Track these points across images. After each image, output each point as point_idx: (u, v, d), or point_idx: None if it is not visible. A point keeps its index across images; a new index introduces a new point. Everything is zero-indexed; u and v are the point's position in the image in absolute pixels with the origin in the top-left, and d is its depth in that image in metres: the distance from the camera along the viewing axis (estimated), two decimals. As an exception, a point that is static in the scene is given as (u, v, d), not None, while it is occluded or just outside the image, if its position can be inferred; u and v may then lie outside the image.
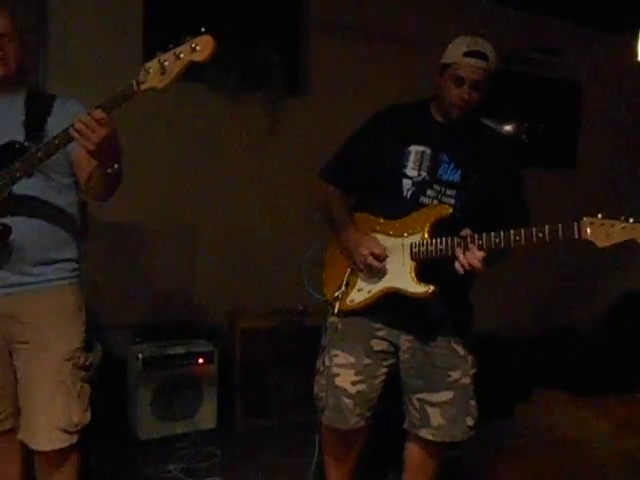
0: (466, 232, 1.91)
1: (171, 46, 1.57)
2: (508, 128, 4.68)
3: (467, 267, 1.87)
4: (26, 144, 1.86)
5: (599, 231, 1.74)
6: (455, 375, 2.14)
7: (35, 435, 1.90)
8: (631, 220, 1.70)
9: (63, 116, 1.87)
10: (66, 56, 3.22)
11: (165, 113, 3.36)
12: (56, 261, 1.96)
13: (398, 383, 2.24)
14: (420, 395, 2.16)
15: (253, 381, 3.36)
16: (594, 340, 4.68)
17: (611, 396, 3.84)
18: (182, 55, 1.55)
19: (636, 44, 3.96)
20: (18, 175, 1.80)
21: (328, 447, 2.29)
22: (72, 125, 1.66)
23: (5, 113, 1.92)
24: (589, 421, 3.56)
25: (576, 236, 1.76)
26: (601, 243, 1.73)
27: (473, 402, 2.18)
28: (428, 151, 2.09)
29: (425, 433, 2.16)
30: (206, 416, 3.24)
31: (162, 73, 1.58)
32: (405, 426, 2.25)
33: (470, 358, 2.19)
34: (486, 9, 4.31)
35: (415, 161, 2.09)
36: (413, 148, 2.09)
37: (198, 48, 1.54)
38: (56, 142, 1.73)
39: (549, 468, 2.99)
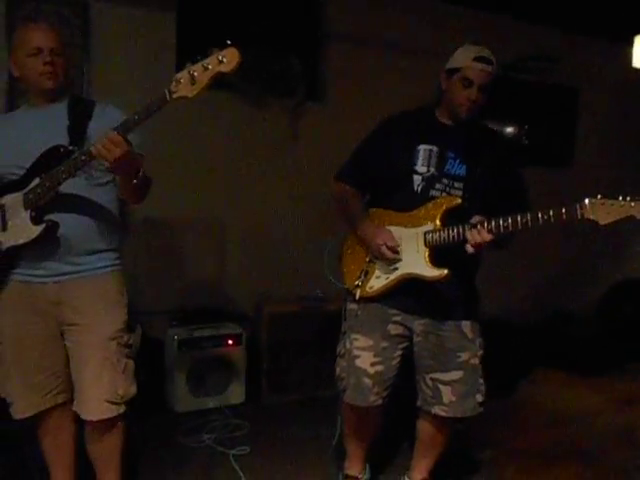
0: (476, 219, 2.03)
1: (199, 58, 1.69)
2: (510, 130, 4.85)
3: (477, 242, 1.99)
4: (70, 148, 1.97)
5: (600, 210, 1.82)
6: (464, 356, 2.26)
7: (86, 406, 2.05)
8: (628, 198, 1.81)
9: (103, 120, 1.98)
10: (107, 71, 3.44)
11: (197, 118, 3.57)
12: (100, 251, 2.08)
13: (410, 364, 2.36)
14: (432, 375, 2.29)
15: (277, 360, 3.56)
16: (590, 324, 4.82)
17: (607, 375, 4.02)
18: (210, 66, 1.66)
19: (631, 51, 3.98)
20: (64, 177, 1.90)
21: (349, 423, 2.47)
22: (93, 145, 1.81)
23: (51, 120, 2.04)
24: (587, 397, 3.76)
25: (579, 216, 1.85)
26: (602, 221, 1.82)
27: (482, 381, 2.30)
28: (435, 149, 2.23)
29: (437, 409, 2.29)
30: (235, 392, 3.46)
31: (192, 83, 1.68)
32: (418, 404, 2.37)
33: (478, 340, 2.31)
34: (488, 20, 4.46)
35: (424, 158, 2.23)
36: (422, 147, 2.24)
37: (225, 60, 1.65)
38: (83, 158, 1.88)
39: (550, 441, 3.16)
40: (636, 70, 4.01)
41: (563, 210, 1.88)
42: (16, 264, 2.04)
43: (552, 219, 1.90)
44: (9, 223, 1.99)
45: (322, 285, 3.74)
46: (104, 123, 1.91)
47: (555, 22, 4.62)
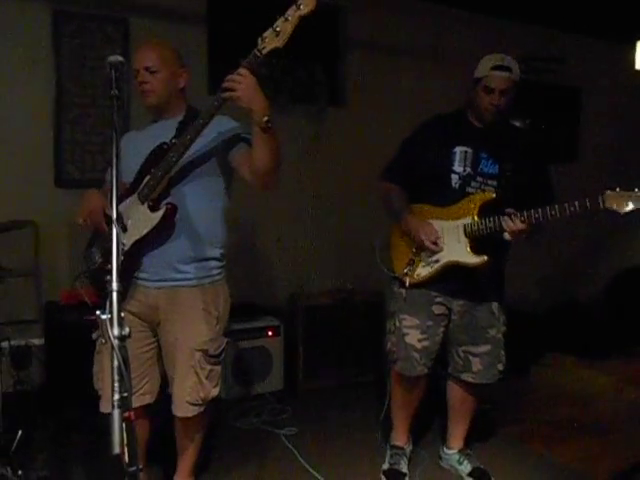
0: (510, 210, 2.29)
1: (278, 17, 1.81)
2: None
3: (512, 229, 2.26)
4: (173, 141, 2.02)
5: (620, 201, 2.07)
6: (492, 332, 2.61)
7: (173, 403, 2.18)
8: None
9: (212, 125, 1.97)
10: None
11: None
12: (202, 259, 2.12)
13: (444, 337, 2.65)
14: (465, 347, 2.62)
15: (312, 350, 3.81)
16: (597, 310, 5.07)
17: (615, 358, 4.31)
18: (290, 17, 1.78)
19: (634, 53, 4.18)
20: (174, 158, 1.94)
21: (397, 393, 2.74)
22: (221, 89, 1.85)
23: (162, 131, 2.11)
24: (597, 379, 4.04)
25: (601, 206, 2.10)
26: (622, 210, 2.07)
27: (503, 352, 2.64)
28: (470, 150, 2.47)
29: (466, 376, 2.64)
30: (275, 379, 3.67)
31: (276, 35, 1.80)
32: (449, 370, 2.71)
33: (502, 318, 2.64)
34: (499, 24, 4.70)
35: (460, 159, 2.48)
36: (458, 149, 2.48)
37: (302, 5, 1.78)
38: (201, 121, 1.90)
39: (567, 417, 3.44)
40: (638, 72, 4.22)
41: (587, 201, 2.13)
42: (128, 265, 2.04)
43: (578, 209, 2.15)
44: (129, 223, 1.98)
45: (351, 278, 4.03)
46: (212, 127, 1.98)
47: (560, 24, 4.82)
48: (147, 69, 2.07)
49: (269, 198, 4.03)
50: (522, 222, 2.26)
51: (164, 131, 2.11)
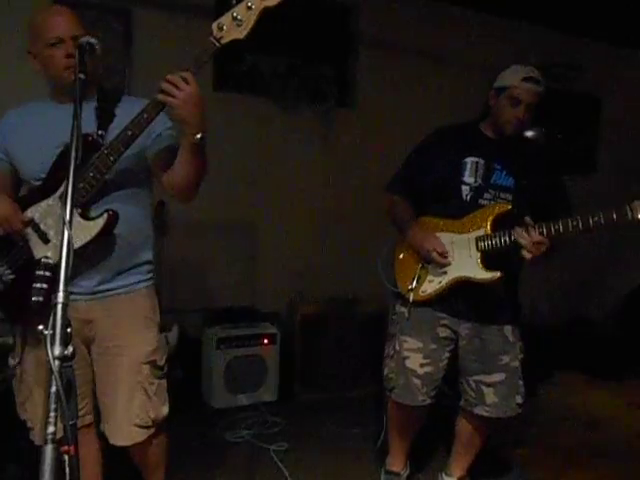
0: (528, 220, 2.09)
1: (235, 2, 1.57)
2: (530, 134, 4.97)
3: (533, 242, 2.04)
4: (100, 133, 1.76)
5: None
6: (506, 359, 2.35)
7: (115, 432, 1.92)
8: None
9: (133, 106, 1.73)
10: (148, 77, 3.42)
11: (233, 123, 3.68)
12: (133, 266, 1.93)
13: (454, 366, 2.44)
14: (476, 377, 2.38)
15: (309, 360, 3.67)
16: (607, 329, 4.90)
17: (627, 379, 4.13)
18: (253, 5, 1.56)
19: None
20: (112, 159, 1.68)
21: (394, 421, 2.57)
22: (159, 88, 1.60)
23: (69, 116, 1.68)
24: (608, 401, 3.86)
25: (630, 217, 1.92)
26: None
27: (521, 382, 2.39)
28: (482, 161, 2.32)
29: (480, 410, 2.39)
30: (269, 390, 3.55)
31: (238, 25, 1.57)
32: (461, 404, 2.47)
33: (519, 344, 2.39)
34: (515, 28, 4.61)
35: (471, 170, 2.32)
36: (469, 159, 2.33)
37: None
38: (145, 116, 1.66)
39: (576, 442, 3.27)
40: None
41: (614, 211, 1.94)
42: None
43: (603, 221, 1.96)
44: (50, 233, 1.75)
45: (352, 287, 3.88)
46: (135, 109, 1.69)
47: (579, 30, 4.71)
48: (75, 39, 1.66)
49: (270, 201, 3.98)
50: (540, 234, 2.06)
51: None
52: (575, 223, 2.01)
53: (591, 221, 1.98)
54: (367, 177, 3.82)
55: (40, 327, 1.04)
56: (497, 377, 2.36)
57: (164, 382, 1.99)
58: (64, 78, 1.74)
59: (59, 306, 1.05)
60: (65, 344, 1.03)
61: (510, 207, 2.24)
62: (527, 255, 2.09)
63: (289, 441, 3.08)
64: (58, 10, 1.80)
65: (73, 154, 1.20)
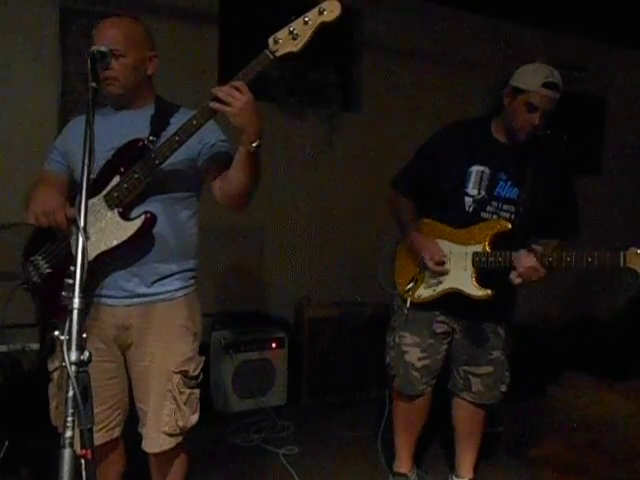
0: (522, 252, 2.12)
1: (293, 17, 1.64)
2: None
3: (523, 267, 2.08)
4: (151, 138, 1.80)
5: None
6: (495, 354, 2.46)
7: (145, 438, 1.94)
8: None
9: (188, 117, 1.77)
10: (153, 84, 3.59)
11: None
12: (174, 273, 1.92)
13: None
14: (466, 367, 2.48)
15: (317, 364, 3.66)
16: (615, 330, 4.81)
17: (633, 380, 4.11)
18: (310, 21, 1.62)
19: None
20: (157, 162, 1.74)
21: (398, 412, 2.60)
22: (211, 99, 1.64)
23: (128, 122, 1.87)
24: (616, 402, 3.86)
25: (621, 265, 1.95)
26: None
27: (507, 373, 2.50)
28: (487, 171, 2.28)
29: (465, 395, 2.52)
30: (277, 394, 3.55)
31: (294, 39, 1.62)
32: (448, 386, 2.57)
33: (509, 339, 2.49)
34: (518, 31, 4.60)
35: (475, 181, 2.29)
36: (474, 168, 2.29)
37: (326, 11, 1.61)
38: (193, 122, 1.70)
39: (584, 444, 3.26)
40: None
41: (608, 255, 1.98)
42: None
43: (596, 262, 2.00)
44: (90, 231, 1.72)
45: (360, 291, 3.88)
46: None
47: (584, 31, 4.70)
48: (111, 52, 1.73)
49: (277, 205, 3.97)
50: (536, 260, 2.09)
51: (133, 124, 1.85)
52: (568, 259, 2.05)
53: (585, 261, 2.02)
54: (373, 180, 3.80)
55: (56, 333, 1.05)
56: (485, 369, 2.47)
57: (196, 391, 1.97)
58: (104, 89, 1.80)
59: (75, 312, 1.06)
60: (81, 349, 1.04)
61: (510, 227, 2.23)
62: (516, 280, 2.12)
63: (298, 445, 3.09)
64: (104, 23, 1.85)
65: (86, 161, 1.22)
